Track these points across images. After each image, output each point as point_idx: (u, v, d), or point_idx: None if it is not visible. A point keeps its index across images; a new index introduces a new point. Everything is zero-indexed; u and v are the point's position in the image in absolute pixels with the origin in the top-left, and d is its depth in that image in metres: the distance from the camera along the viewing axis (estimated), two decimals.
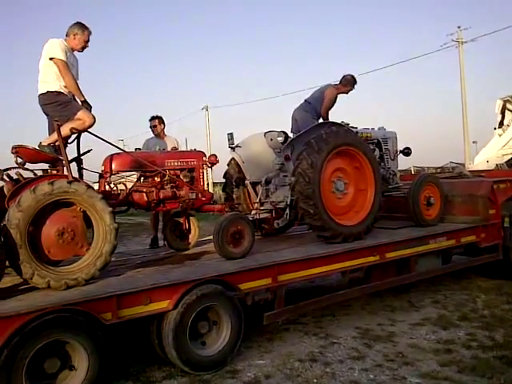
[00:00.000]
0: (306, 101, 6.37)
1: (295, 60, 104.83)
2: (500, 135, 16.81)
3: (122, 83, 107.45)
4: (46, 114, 4.51)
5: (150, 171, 4.89)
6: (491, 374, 3.89)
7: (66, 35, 4.54)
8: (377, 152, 6.54)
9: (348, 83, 6.41)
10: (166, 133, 7.08)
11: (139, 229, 14.50)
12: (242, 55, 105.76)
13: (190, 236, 5.49)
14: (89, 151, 4.55)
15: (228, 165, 6.32)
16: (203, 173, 5.22)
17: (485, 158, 17.02)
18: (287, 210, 5.58)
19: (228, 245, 4.69)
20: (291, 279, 4.71)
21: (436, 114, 66.61)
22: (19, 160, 4.17)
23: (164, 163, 4.97)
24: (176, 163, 5.07)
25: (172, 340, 3.86)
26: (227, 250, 4.69)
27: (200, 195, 5.07)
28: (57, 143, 4.19)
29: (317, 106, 6.25)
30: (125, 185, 4.83)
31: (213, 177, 10.93)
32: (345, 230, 5.38)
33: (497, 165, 15.66)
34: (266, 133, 6.18)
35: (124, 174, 5.11)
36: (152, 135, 7.06)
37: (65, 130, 4.19)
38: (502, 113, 16.71)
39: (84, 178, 4.43)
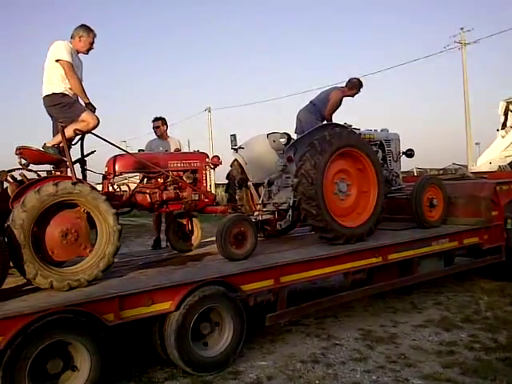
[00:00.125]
0: (311, 102, 6.39)
1: (297, 62, 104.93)
2: (503, 137, 16.81)
3: (125, 84, 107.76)
4: (51, 116, 4.52)
5: (153, 172, 4.90)
6: (494, 376, 3.88)
7: (72, 37, 4.55)
8: (380, 153, 6.52)
9: (354, 86, 6.42)
10: (168, 134, 7.10)
11: (142, 230, 14.55)
12: (245, 57, 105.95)
13: (193, 237, 5.49)
14: (92, 152, 4.57)
15: (231, 166, 6.32)
16: (206, 174, 5.22)
17: (487, 160, 17.02)
18: (290, 211, 5.58)
19: (231, 246, 4.69)
20: (293, 280, 4.71)
21: (439, 115, 66.52)
22: (23, 161, 4.19)
23: (167, 164, 4.98)
24: (179, 164, 5.08)
25: (174, 341, 3.86)
26: (230, 252, 4.69)
27: (203, 196, 5.08)
28: (61, 144, 4.21)
29: (321, 108, 6.26)
30: (128, 186, 4.85)
31: (215, 178, 10.95)
32: (347, 231, 5.37)
33: (500, 166, 15.63)
34: (268, 134, 6.18)
35: (127, 175, 5.13)
36: (155, 136, 7.09)
37: (69, 131, 4.22)
38: (505, 114, 16.71)
39: (87, 179, 4.44)
